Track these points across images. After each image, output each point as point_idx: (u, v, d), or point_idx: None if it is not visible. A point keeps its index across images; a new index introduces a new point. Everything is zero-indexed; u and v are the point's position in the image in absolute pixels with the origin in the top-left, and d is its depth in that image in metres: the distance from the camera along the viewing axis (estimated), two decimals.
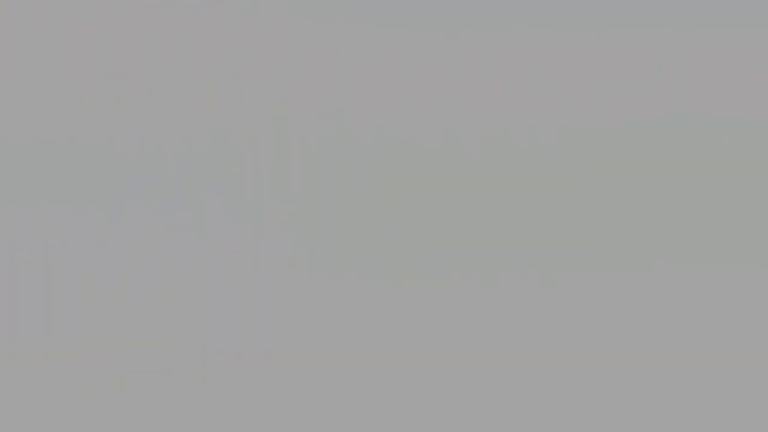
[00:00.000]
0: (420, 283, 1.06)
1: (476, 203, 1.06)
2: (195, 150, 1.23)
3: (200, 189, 1.19)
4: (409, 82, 1.06)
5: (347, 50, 1.05)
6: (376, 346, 1.07)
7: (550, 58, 1.06)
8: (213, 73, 1.27)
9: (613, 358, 1.06)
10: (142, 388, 1.13)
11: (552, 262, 1.06)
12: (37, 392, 1.13)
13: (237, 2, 1.09)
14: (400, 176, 1.06)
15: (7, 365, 1.16)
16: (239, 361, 1.22)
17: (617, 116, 1.05)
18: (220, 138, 1.17)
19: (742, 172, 1.06)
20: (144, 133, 1.20)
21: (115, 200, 1.23)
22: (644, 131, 1.06)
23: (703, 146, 1.06)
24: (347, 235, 1.06)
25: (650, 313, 1.06)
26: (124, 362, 1.16)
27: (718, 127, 1.06)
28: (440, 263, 1.06)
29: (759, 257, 1.05)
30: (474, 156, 1.06)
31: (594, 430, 1.06)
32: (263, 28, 1.09)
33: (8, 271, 1.23)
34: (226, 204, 1.17)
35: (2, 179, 1.25)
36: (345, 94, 1.05)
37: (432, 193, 1.06)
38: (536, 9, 1.06)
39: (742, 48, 1.06)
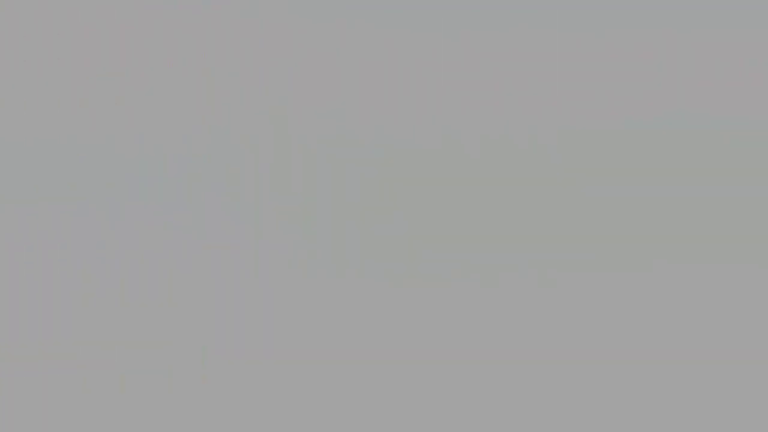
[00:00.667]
0: (420, 283, 1.06)
1: (476, 203, 1.06)
2: (195, 150, 1.23)
3: (200, 189, 1.19)
4: (409, 82, 1.06)
5: (347, 50, 1.05)
6: (376, 346, 1.07)
7: (550, 58, 1.06)
8: (213, 73, 1.27)
9: (613, 358, 1.06)
10: (142, 388, 1.13)
11: (552, 262, 1.06)
12: (37, 392, 1.13)
13: (237, 2, 1.09)
14: (400, 176, 1.06)
15: (7, 365, 1.16)
16: (239, 361, 1.22)
17: (617, 116, 1.05)
18: (220, 138, 1.17)
19: (742, 172, 1.05)
20: (144, 133, 1.20)
21: (115, 200, 1.23)
22: (644, 131, 1.06)
23: (703, 146, 1.05)
24: (347, 235, 1.06)
25: (650, 313, 1.06)
26: (124, 362, 1.16)
27: (718, 127, 1.06)
28: (440, 263, 1.06)
29: (759, 257, 1.05)
30: (474, 156, 1.06)
31: (594, 430, 1.06)
32: (263, 28, 1.09)
33: (8, 271, 1.23)
34: (226, 204, 1.17)
35: (2, 179, 1.25)
36: (345, 94, 1.05)
37: (432, 193, 1.06)
38: (536, 9, 1.06)
39: (742, 48, 1.06)
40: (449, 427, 1.06)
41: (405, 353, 1.07)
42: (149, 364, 1.13)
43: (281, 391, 1.09)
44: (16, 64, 1.19)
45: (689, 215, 1.06)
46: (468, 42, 1.06)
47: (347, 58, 1.07)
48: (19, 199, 1.22)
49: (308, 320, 1.09)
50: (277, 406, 1.09)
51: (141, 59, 1.22)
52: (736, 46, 1.06)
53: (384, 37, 1.06)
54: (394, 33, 1.06)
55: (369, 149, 1.06)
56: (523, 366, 1.06)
